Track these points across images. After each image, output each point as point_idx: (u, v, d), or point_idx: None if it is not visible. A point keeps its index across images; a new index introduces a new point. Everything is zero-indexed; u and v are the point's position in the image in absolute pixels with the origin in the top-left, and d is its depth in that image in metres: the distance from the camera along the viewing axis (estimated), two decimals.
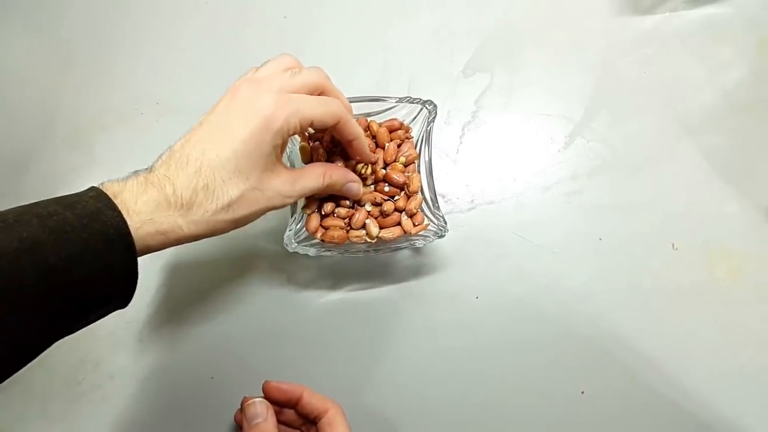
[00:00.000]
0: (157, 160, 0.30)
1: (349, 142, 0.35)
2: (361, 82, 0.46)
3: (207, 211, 0.29)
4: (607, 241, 0.41)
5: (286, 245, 0.36)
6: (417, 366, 0.39)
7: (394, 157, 0.39)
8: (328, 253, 0.37)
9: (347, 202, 0.38)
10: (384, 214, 0.38)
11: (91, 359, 0.41)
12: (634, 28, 0.46)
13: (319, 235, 0.37)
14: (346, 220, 0.38)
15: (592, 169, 0.43)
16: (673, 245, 0.41)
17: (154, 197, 0.27)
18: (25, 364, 0.26)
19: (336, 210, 0.37)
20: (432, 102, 0.38)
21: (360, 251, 0.38)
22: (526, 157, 0.44)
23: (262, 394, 0.34)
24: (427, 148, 0.38)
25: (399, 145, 0.39)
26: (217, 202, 0.29)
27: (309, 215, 0.37)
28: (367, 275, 0.41)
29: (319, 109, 0.31)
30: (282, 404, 0.34)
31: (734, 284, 0.40)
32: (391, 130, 0.39)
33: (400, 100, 0.39)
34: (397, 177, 0.38)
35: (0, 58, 0.50)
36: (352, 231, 0.37)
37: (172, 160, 0.29)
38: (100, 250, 0.25)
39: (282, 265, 0.42)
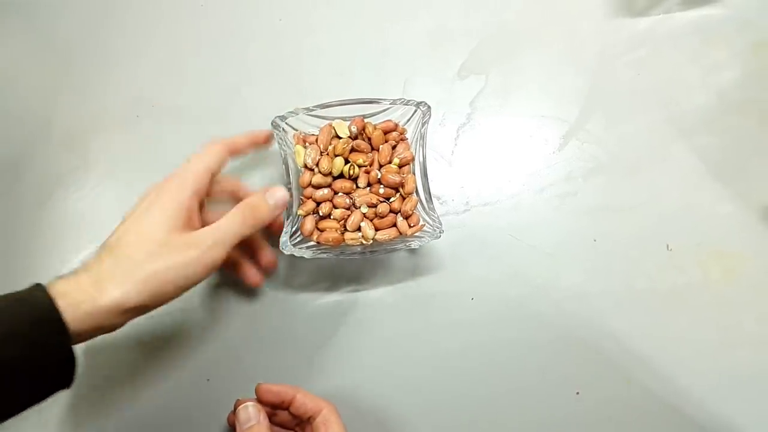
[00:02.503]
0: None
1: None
2: (357, 84, 0.47)
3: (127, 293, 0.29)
4: (602, 242, 0.41)
5: (283, 248, 0.36)
6: (413, 367, 0.39)
7: (388, 159, 0.39)
8: (324, 255, 0.37)
9: (344, 202, 0.38)
10: (379, 216, 0.38)
11: (89, 361, 0.41)
12: (628, 30, 0.47)
13: (314, 237, 0.37)
14: (342, 222, 0.38)
15: (587, 171, 0.43)
16: (667, 246, 0.41)
17: (92, 275, 0.28)
18: None
19: (332, 212, 0.38)
20: (426, 104, 0.39)
21: (356, 253, 0.38)
22: (521, 159, 0.44)
23: (255, 397, 0.34)
24: (421, 149, 0.39)
25: (394, 147, 0.40)
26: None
27: (304, 217, 0.37)
28: (363, 277, 0.42)
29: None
30: (275, 406, 0.34)
31: (729, 285, 0.40)
32: (386, 132, 0.40)
33: (394, 101, 0.39)
34: (393, 178, 0.38)
35: None
36: (347, 233, 0.38)
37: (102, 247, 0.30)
38: (28, 333, 0.25)
39: (278, 267, 0.42)
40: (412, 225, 0.38)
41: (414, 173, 0.39)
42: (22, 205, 0.44)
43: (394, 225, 0.38)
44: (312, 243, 0.38)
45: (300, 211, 0.37)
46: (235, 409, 0.33)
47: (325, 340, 0.40)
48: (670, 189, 0.42)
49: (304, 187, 0.38)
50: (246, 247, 0.39)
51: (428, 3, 0.49)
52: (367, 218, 0.38)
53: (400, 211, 0.38)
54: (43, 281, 0.28)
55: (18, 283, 0.28)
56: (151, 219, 0.30)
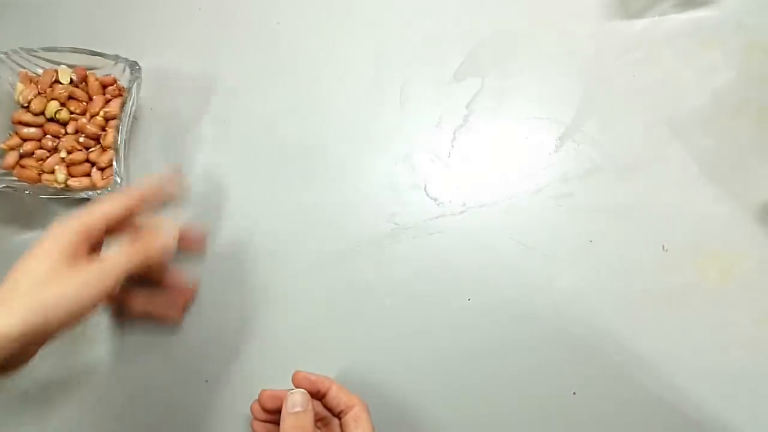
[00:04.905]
0: None
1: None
2: (354, 86, 0.47)
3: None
4: (598, 243, 0.42)
5: None
6: (409, 367, 0.40)
7: (98, 110, 0.42)
8: (26, 192, 0.40)
9: (49, 145, 0.42)
10: (74, 163, 0.41)
11: (86, 363, 0.41)
12: (623, 32, 0.47)
13: (15, 172, 0.41)
14: (40, 163, 0.41)
15: (583, 172, 0.43)
16: (663, 247, 0.41)
17: None
18: None
19: (36, 151, 0.41)
20: (137, 63, 0.42)
21: (52, 195, 0.41)
22: (518, 161, 0.44)
23: (260, 395, 0.34)
24: (129, 107, 0.42)
25: (108, 101, 0.43)
26: None
27: (7, 151, 0.41)
28: (359, 277, 0.42)
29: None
30: (310, 395, 0.34)
31: (724, 285, 0.40)
32: (105, 85, 0.43)
33: (115, 58, 0.42)
34: (91, 128, 0.41)
35: None
36: (44, 174, 0.41)
37: None
38: None
39: (278, 267, 0.42)
40: (104, 177, 0.41)
41: (119, 129, 0.41)
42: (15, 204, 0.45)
43: (89, 174, 0.41)
44: (13, 178, 0.41)
45: (3, 145, 0.41)
46: (259, 398, 0.33)
47: (322, 341, 0.41)
48: (665, 190, 0.43)
49: (14, 123, 0.42)
50: (156, 287, 0.40)
51: (425, 6, 0.49)
52: (65, 163, 0.41)
53: (96, 163, 0.41)
54: None
55: None
56: (35, 256, 0.31)
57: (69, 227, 0.33)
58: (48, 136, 0.42)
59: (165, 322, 0.41)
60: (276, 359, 0.40)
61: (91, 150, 0.41)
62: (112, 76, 0.43)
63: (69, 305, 0.30)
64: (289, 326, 0.41)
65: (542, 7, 0.48)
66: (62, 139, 0.42)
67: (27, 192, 0.40)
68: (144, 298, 0.40)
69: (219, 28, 0.50)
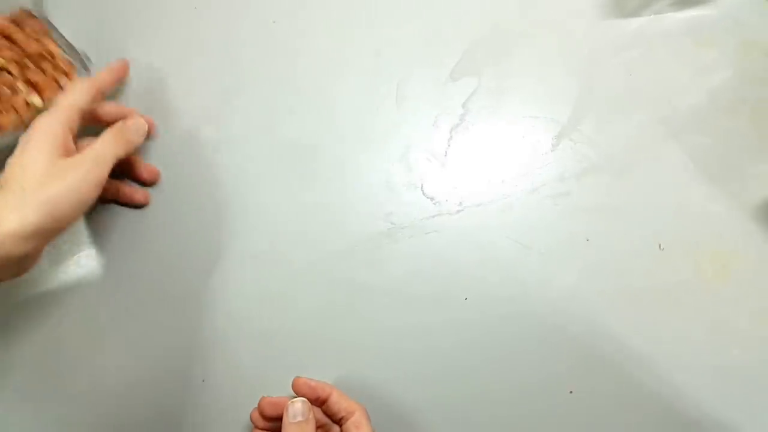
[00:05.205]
0: None
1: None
2: (350, 85, 0.47)
3: None
4: (595, 241, 0.42)
5: None
6: (406, 367, 0.40)
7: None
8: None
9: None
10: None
11: (82, 363, 0.41)
12: (619, 31, 0.47)
13: None
14: None
15: (580, 171, 0.43)
16: (659, 245, 0.41)
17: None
18: None
19: None
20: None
21: None
22: (514, 160, 0.44)
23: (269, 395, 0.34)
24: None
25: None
26: None
27: None
28: (356, 278, 0.42)
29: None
30: (310, 402, 0.34)
31: (721, 283, 0.40)
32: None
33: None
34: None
35: None
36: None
37: None
38: None
39: (275, 268, 0.42)
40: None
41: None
42: None
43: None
44: None
45: None
46: (258, 406, 0.33)
47: (319, 340, 0.41)
48: (662, 188, 0.43)
49: None
50: (124, 170, 0.43)
51: (421, 5, 0.49)
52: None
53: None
54: None
55: None
56: (30, 153, 0.32)
57: (54, 120, 0.33)
58: None
59: (134, 202, 0.43)
60: (273, 359, 0.40)
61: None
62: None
63: (74, 198, 0.32)
64: (286, 325, 0.41)
65: (538, 6, 0.48)
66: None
67: None
68: (113, 184, 0.42)
69: (215, 27, 0.50)
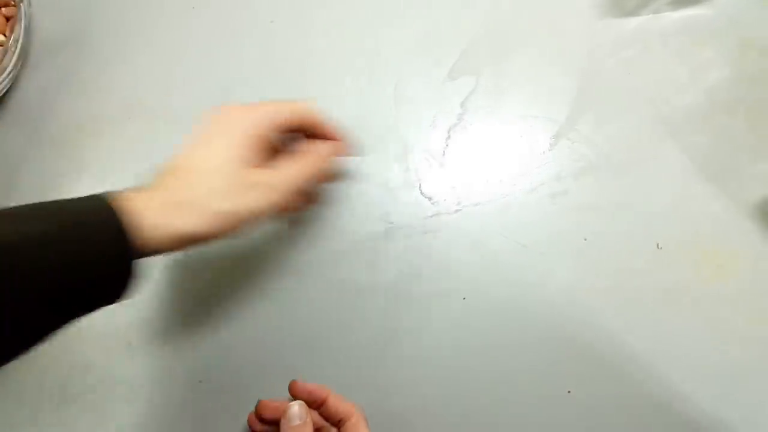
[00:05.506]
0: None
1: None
2: (348, 84, 0.47)
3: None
4: (593, 241, 0.41)
5: None
6: (404, 367, 0.40)
7: None
8: None
9: None
10: None
11: (80, 364, 0.41)
12: (617, 30, 0.47)
13: None
14: None
15: (577, 170, 0.43)
16: (657, 244, 0.41)
17: (159, 196, 0.29)
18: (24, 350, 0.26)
19: None
20: None
21: None
22: (512, 159, 0.44)
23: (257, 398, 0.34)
24: None
25: None
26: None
27: None
28: (354, 279, 0.42)
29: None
30: (307, 405, 0.34)
31: (719, 282, 0.40)
32: None
33: None
34: None
35: None
36: None
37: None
38: (95, 240, 0.26)
39: (274, 268, 0.42)
40: None
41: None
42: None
43: None
44: None
45: None
46: (256, 409, 0.33)
47: (316, 340, 0.40)
48: (659, 187, 0.43)
49: None
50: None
51: (419, 4, 0.49)
52: None
53: None
54: None
55: None
56: (218, 148, 0.31)
57: (257, 127, 0.31)
58: None
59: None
60: (270, 359, 0.40)
61: None
62: None
63: (245, 218, 0.30)
64: (283, 326, 0.41)
65: (536, 6, 0.48)
66: None
67: None
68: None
69: (213, 27, 0.50)
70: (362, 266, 0.42)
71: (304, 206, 0.41)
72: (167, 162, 0.31)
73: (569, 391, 0.38)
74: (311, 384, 0.34)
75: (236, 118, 0.32)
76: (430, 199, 0.43)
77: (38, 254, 0.24)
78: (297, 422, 0.32)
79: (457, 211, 0.43)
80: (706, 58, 0.46)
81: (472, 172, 0.44)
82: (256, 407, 0.34)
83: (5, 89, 0.47)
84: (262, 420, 0.34)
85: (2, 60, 0.44)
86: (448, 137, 0.45)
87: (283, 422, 0.32)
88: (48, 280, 0.24)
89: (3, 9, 0.45)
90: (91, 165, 0.46)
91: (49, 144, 0.47)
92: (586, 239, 0.42)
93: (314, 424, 0.34)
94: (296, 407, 0.32)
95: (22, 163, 0.46)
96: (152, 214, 0.28)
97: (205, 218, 0.29)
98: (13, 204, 0.27)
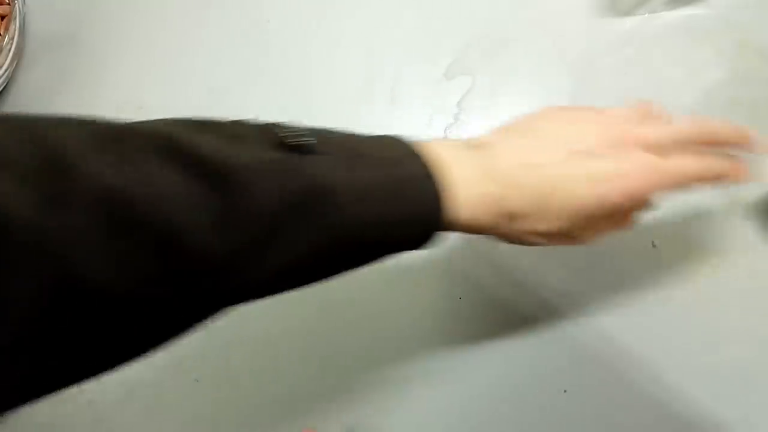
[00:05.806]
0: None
1: None
2: (344, 85, 0.47)
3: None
4: None
5: None
6: (402, 367, 0.40)
7: None
8: None
9: None
10: None
11: None
12: (614, 30, 0.47)
13: None
14: None
15: None
16: (653, 243, 0.41)
17: (478, 162, 0.26)
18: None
19: None
20: None
21: None
22: None
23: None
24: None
25: None
26: None
27: None
28: (350, 278, 0.42)
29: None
30: None
31: (715, 281, 0.40)
32: None
33: None
34: None
35: None
36: None
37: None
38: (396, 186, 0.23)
39: None
40: None
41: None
42: None
43: None
44: None
45: None
46: None
47: (313, 340, 0.40)
48: None
49: None
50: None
51: (415, 3, 0.49)
52: None
53: None
54: None
55: None
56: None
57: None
58: None
59: None
60: (268, 359, 0.40)
61: None
62: None
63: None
64: (281, 326, 0.41)
65: (532, 5, 0.48)
66: None
67: None
68: None
69: (209, 26, 0.50)
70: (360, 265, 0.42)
71: None
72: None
73: (565, 391, 0.38)
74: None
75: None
76: None
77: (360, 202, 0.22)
78: None
79: None
80: (702, 59, 0.46)
81: None
82: None
83: (0, 88, 0.47)
84: None
85: None
86: (445, 137, 0.45)
87: None
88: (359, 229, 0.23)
89: None
90: None
91: None
92: None
93: None
94: None
95: None
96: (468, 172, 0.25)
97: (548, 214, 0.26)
98: None
